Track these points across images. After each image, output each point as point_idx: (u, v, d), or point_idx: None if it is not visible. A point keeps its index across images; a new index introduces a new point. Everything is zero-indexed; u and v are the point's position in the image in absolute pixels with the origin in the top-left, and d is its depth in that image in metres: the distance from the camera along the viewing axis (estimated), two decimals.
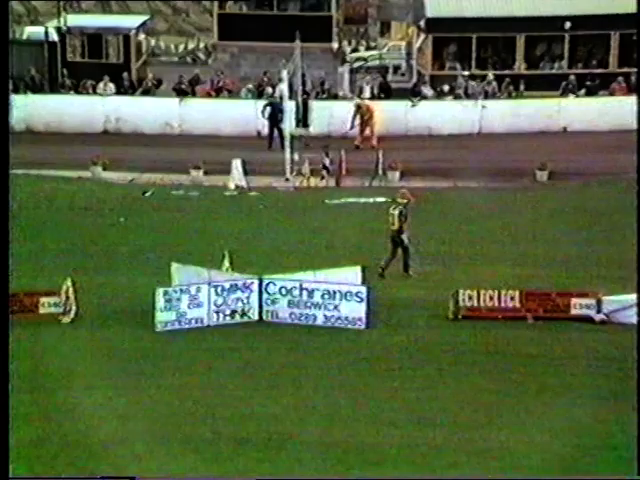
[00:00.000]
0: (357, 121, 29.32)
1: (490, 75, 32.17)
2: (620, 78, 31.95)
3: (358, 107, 29.61)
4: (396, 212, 17.32)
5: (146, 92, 32.65)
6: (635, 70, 32.60)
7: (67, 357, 13.66)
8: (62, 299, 15.19)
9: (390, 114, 29.65)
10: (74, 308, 15.20)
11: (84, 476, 10.35)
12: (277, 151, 26.75)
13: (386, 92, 32.66)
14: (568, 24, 32.93)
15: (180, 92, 32.16)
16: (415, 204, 17.76)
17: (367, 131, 29.20)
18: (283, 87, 29.99)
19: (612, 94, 31.85)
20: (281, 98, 29.21)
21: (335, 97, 32.43)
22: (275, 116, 28.96)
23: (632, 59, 33.56)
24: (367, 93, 32.62)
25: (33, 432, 11.41)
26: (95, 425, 11.63)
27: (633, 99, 31.21)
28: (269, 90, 31.49)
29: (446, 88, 31.94)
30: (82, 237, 20.15)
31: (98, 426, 11.60)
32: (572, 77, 32.28)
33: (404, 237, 17.24)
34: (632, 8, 32.23)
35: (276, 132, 28.87)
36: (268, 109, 29.27)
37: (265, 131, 29.52)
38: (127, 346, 14.25)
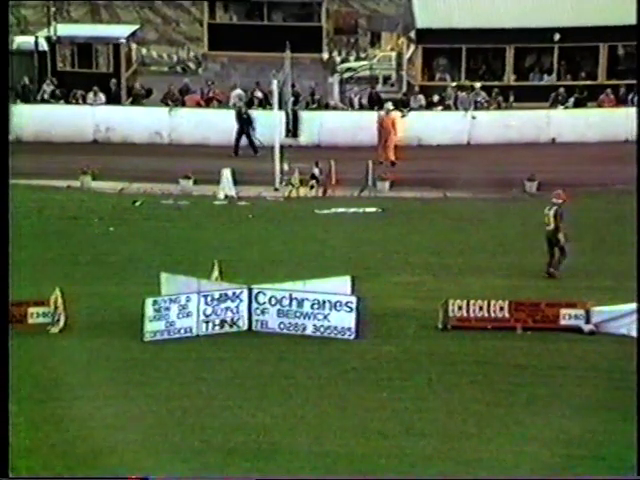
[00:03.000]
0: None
1: (477, 85, 32.27)
2: (608, 90, 32.12)
3: (380, 121, 28.82)
4: (551, 212, 17.89)
5: (135, 101, 32.68)
6: (623, 82, 32.82)
7: (55, 368, 13.60)
8: (51, 309, 15.14)
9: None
10: (63, 318, 15.15)
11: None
12: (267, 161, 26.76)
13: (376, 102, 32.72)
14: (557, 36, 33.10)
15: (169, 102, 32.19)
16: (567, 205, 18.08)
17: (384, 144, 28.25)
18: (238, 92, 30.40)
19: (600, 106, 32.02)
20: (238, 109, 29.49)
21: (325, 107, 32.49)
22: (244, 124, 29.13)
23: (620, 71, 33.79)
24: (356, 103, 32.71)
25: (21, 443, 11.36)
26: (83, 435, 11.60)
27: (621, 111, 31.41)
28: (259, 94, 31.67)
29: (436, 98, 32.03)
30: (71, 247, 20.11)
31: (87, 436, 11.56)
32: (561, 89, 32.44)
33: (560, 237, 17.72)
34: (620, 20, 32.48)
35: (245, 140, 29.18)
36: (237, 118, 29.51)
37: (256, 141, 29.60)
38: (116, 356, 14.21)
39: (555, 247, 17.92)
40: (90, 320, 15.54)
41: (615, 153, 28.75)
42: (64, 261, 18.95)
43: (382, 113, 29.33)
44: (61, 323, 15.14)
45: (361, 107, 32.67)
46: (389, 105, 29.76)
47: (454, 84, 32.76)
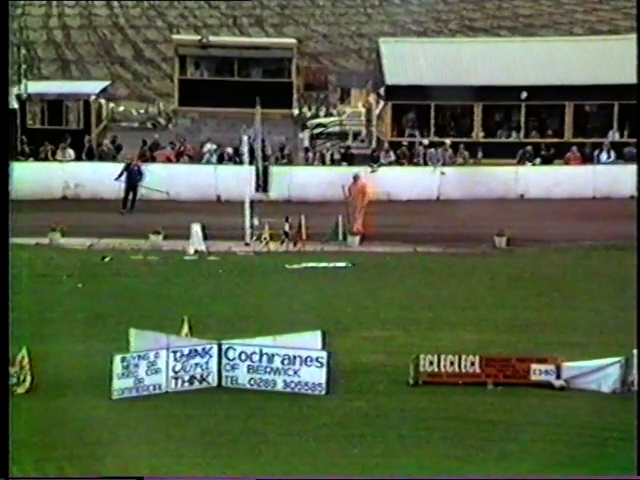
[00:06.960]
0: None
1: (447, 142, 32.62)
2: (574, 148, 32.60)
3: (348, 189, 26.60)
4: None
5: (103, 158, 32.73)
6: (589, 140, 33.37)
7: (20, 429, 13.31)
8: (17, 369, 14.90)
9: (350, 179, 29.73)
10: (29, 378, 14.92)
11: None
12: (237, 216, 26.75)
13: (348, 158, 32.98)
14: (524, 94, 33.62)
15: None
16: None
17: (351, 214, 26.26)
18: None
19: (567, 163, 32.46)
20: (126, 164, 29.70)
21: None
22: (131, 179, 29.27)
23: (586, 129, 34.38)
24: (327, 159, 32.93)
25: None
26: None
27: (587, 169, 31.91)
28: (229, 151, 31.86)
29: (405, 150, 32.32)
30: (40, 304, 19.86)
31: None
32: (529, 146, 32.89)
33: None
34: (586, 80, 33.14)
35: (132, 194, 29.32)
36: (125, 172, 29.59)
37: (224, 196, 29.65)
38: (83, 415, 13.99)
39: None
40: (57, 379, 15.31)
41: (583, 210, 29.11)
42: (32, 320, 18.68)
43: (350, 180, 27.17)
44: (27, 383, 14.90)
45: (332, 162, 32.90)
46: (359, 171, 27.92)
47: (425, 142, 33.08)
